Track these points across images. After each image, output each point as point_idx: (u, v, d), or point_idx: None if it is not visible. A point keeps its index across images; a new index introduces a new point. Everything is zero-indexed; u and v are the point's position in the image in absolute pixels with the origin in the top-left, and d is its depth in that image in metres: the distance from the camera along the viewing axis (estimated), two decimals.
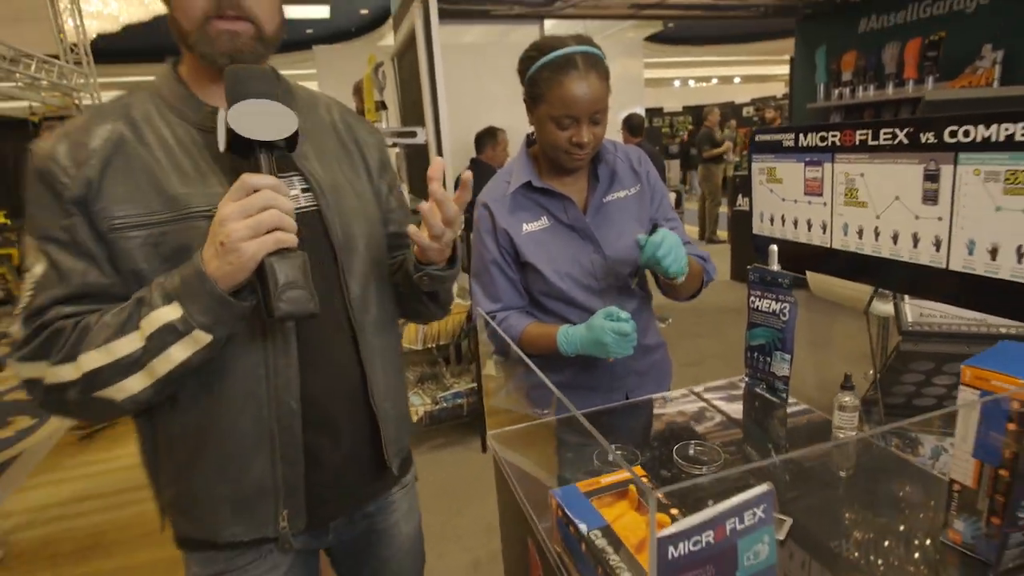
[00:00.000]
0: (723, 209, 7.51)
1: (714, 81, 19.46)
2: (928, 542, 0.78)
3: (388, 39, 12.62)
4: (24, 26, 7.25)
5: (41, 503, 2.80)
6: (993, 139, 0.78)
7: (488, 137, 3.90)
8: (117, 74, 12.05)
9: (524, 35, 4.76)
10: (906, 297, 1.31)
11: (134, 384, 0.70)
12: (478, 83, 4.41)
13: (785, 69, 5.74)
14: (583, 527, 0.70)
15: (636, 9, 4.59)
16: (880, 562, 0.77)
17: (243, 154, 0.69)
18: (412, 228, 0.80)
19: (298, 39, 14.15)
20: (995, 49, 3.81)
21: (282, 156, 0.74)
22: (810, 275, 2.10)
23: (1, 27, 6.58)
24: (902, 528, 0.83)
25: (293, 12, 11.60)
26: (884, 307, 1.49)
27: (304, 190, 0.82)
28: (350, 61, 5.21)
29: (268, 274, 0.66)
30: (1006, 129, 0.76)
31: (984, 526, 0.71)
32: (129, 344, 0.69)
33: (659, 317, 1.40)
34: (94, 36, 8.50)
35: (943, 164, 0.85)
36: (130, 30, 11.24)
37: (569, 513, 0.73)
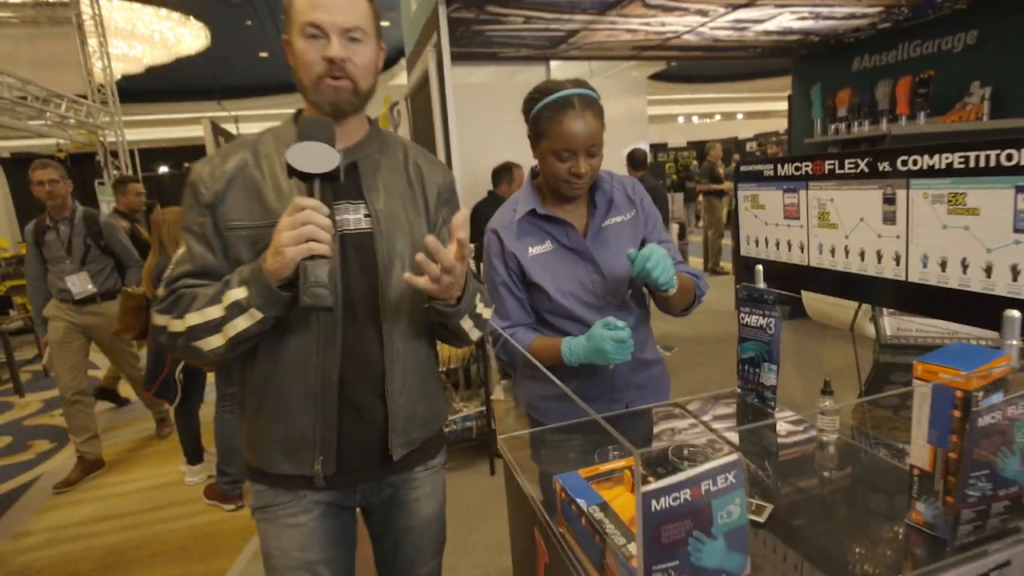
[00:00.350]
0: (726, 241, 7.64)
1: (717, 117, 19.84)
2: (895, 525, 0.87)
3: (399, 79, 13.09)
4: (56, 69, 7.63)
5: (61, 523, 2.88)
6: (936, 167, 0.89)
7: (504, 172, 4.05)
8: (139, 112, 12.52)
9: (531, 75, 4.98)
10: (885, 313, 1.40)
11: (214, 341, 0.93)
12: (486, 120, 4.60)
13: (787, 105, 5.93)
14: (583, 503, 0.79)
15: (637, 51, 4.81)
16: (851, 542, 0.85)
17: (303, 179, 0.89)
18: (407, 275, 0.93)
19: None
20: (983, 86, 3.97)
21: (346, 185, 0.98)
22: (806, 300, 2.21)
23: (36, 70, 6.94)
24: (873, 513, 0.91)
25: None
26: (869, 326, 1.59)
27: (366, 215, 1.02)
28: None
29: (301, 273, 0.84)
30: (946, 158, 0.88)
31: (941, 505, 0.80)
32: (214, 312, 0.92)
33: (664, 346, 1.50)
34: (119, 77, 8.88)
35: (898, 189, 0.96)
36: (152, 71, 11.76)
37: (571, 493, 0.82)
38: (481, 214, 3.89)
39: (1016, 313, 0.84)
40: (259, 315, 0.91)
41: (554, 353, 1.28)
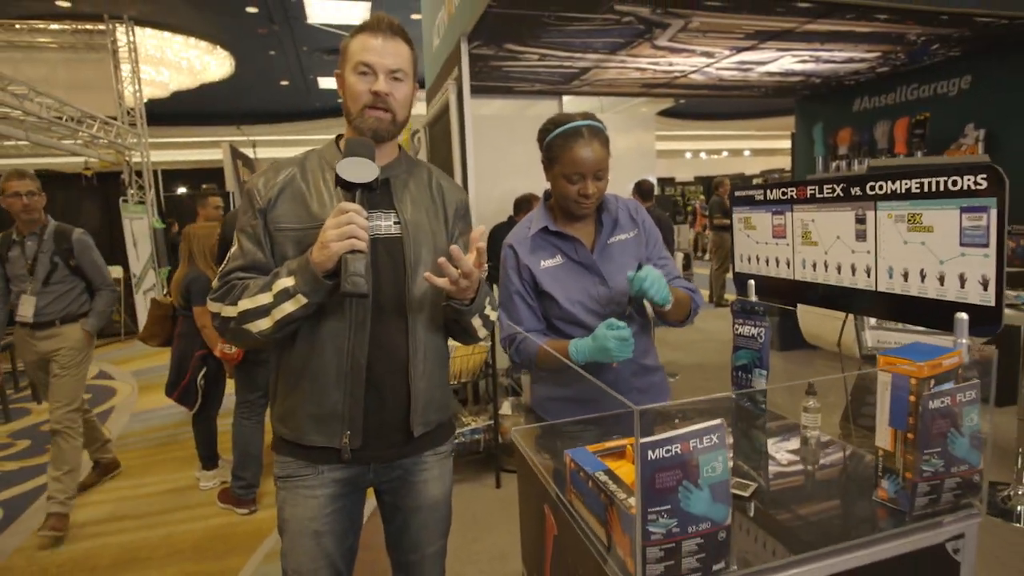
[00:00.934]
0: (729, 275, 7.77)
1: (725, 154, 20.18)
2: (864, 501, 0.99)
3: (416, 108, 13.51)
4: (88, 92, 7.99)
5: (79, 522, 2.97)
6: (898, 191, 1.04)
7: (525, 203, 4.19)
8: (161, 135, 12.92)
9: (543, 108, 5.21)
10: (866, 327, 1.53)
11: (263, 323, 1.08)
12: (498, 149, 4.81)
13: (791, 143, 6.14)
14: (589, 469, 0.92)
15: (646, 88, 5.04)
16: (824, 514, 0.97)
17: (346, 188, 1.06)
18: (428, 274, 1.09)
19: (334, 107, 15.16)
20: (977, 128, 4.15)
21: (379, 195, 1.14)
22: (802, 322, 2.34)
23: (69, 92, 7.28)
24: (846, 492, 1.03)
25: (329, 83, 12.55)
26: (855, 347, 1.71)
27: (395, 223, 1.18)
28: None
29: (342, 265, 1.00)
30: (905, 184, 1.03)
31: (901, 481, 0.92)
32: (264, 298, 1.07)
33: (668, 373, 1.63)
34: (145, 101, 9.24)
35: (867, 211, 1.11)
36: (177, 96, 12.19)
37: (579, 463, 0.95)
38: (499, 236, 4.06)
39: (964, 315, 0.97)
40: (304, 300, 1.05)
41: (562, 354, 1.41)
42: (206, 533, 2.81)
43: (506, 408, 3.39)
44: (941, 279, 1.01)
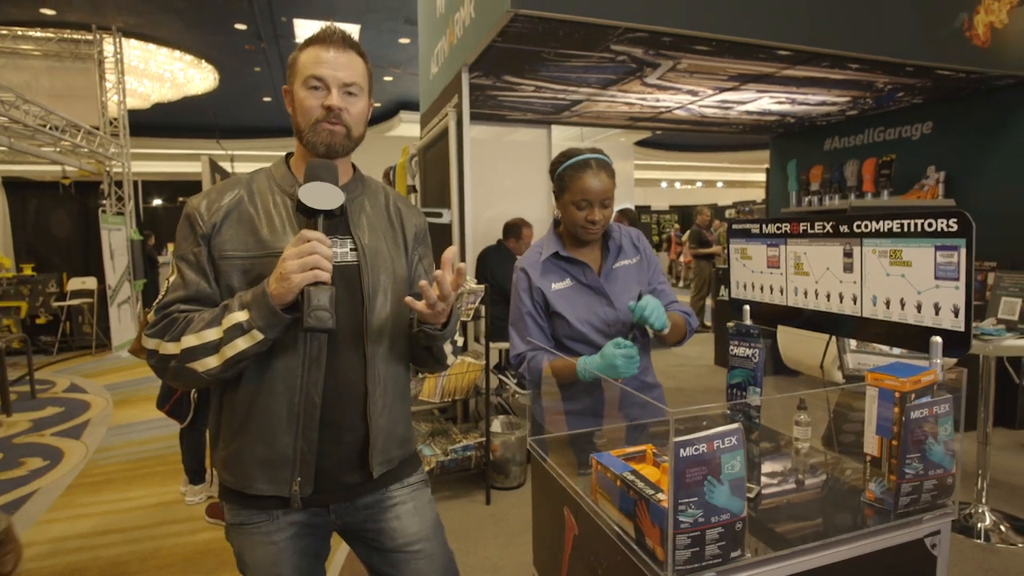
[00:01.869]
0: (709, 302, 8.02)
1: (699, 184, 20.80)
2: (854, 502, 1.11)
3: (396, 130, 13.65)
4: (70, 101, 7.94)
5: (62, 535, 2.93)
6: (881, 230, 1.20)
7: (515, 229, 4.22)
8: (142, 146, 12.80)
9: (532, 136, 5.39)
10: (848, 350, 1.68)
11: (210, 362, 0.98)
12: (488, 174, 4.94)
13: (763, 176, 6.45)
14: (616, 471, 1.03)
15: (632, 121, 5.27)
16: (818, 513, 1.09)
17: (307, 215, 0.99)
18: (408, 299, 1.04)
19: None
20: (938, 170, 4.46)
21: (336, 221, 1.05)
22: (782, 349, 2.50)
23: (51, 100, 7.23)
24: (836, 495, 1.16)
25: None
26: (835, 372, 1.87)
27: (352, 249, 1.11)
28: (363, 144, 5.99)
29: (305, 298, 0.93)
30: (888, 224, 1.19)
31: (887, 483, 1.05)
32: (212, 334, 0.98)
33: None
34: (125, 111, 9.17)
35: (854, 246, 1.27)
36: (159, 108, 12.12)
37: (606, 464, 1.06)
38: (487, 259, 4.17)
39: (939, 339, 1.12)
40: (260, 336, 0.97)
41: (570, 371, 1.51)
42: (196, 547, 2.80)
43: (496, 426, 3.47)
44: (919, 307, 1.16)
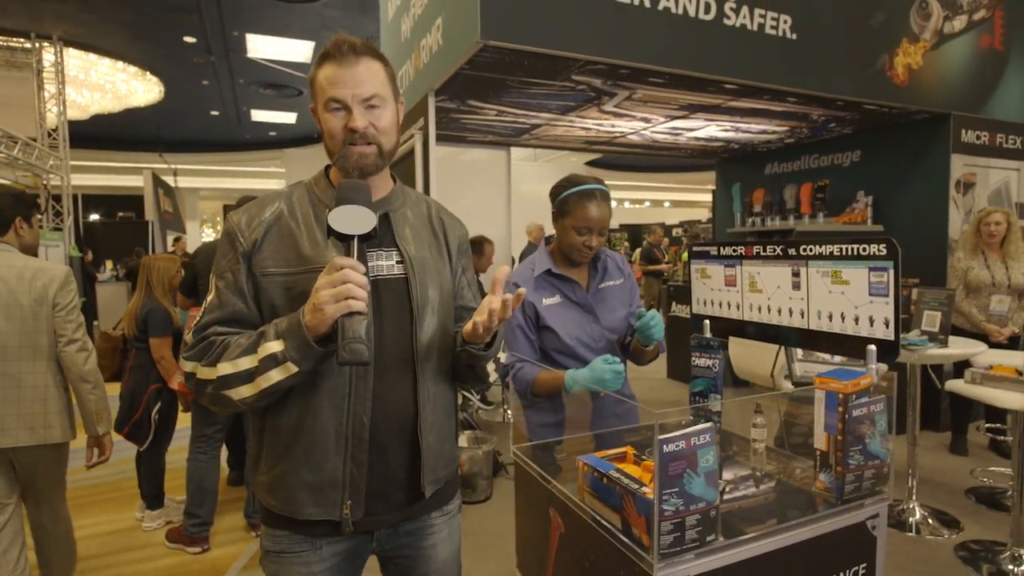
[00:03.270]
0: None
1: (647, 204, 21.49)
2: (805, 492, 1.27)
3: None
4: (6, 111, 7.57)
5: None
6: (824, 254, 1.38)
7: (477, 246, 4.29)
8: (82, 158, 12.24)
9: (491, 156, 5.52)
10: (795, 359, 1.87)
11: (244, 391, 0.95)
12: (445, 192, 4.99)
13: (709, 196, 6.82)
14: (603, 470, 1.14)
15: (588, 144, 5.50)
16: (775, 503, 1.24)
17: (341, 239, 0.92)
18: (478, 320, 0.99)
19: (264, 139, 14.95)
20: (867, 195, 4.86)
21: (381, 234, 1.01)
22: (734, 360, 2.68)
23: None
24: (791, 487, 1.31)
25: (262, 116, 12.44)
26: (783, 382, 2.05)
27: (398, 261, 1.07)
28: (314, 161, 6.16)
29: (339, 330, 0.87)
30: (829, 248, 1.37)
31: (834, 474, 1.21)
32: (247, 363, 0.95)
33: None
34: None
35: (801, 267, 1.45)
36: (98, 119, 11.64)
37: (592, 464, 1.17)
38: None
39: (873, 347, 1.30)
40: (294, 368, 0.92)
41: (557, 384, 1.62)
42: (157, 574, 2.73)
43: (463, 441, 3.53)
44: (856, 320, 1.34)
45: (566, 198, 1.66)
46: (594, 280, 1.74)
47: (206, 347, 0.99)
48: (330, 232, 0.90)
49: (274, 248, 1.02)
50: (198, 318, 1.04)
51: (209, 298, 1.04)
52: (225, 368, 0.96)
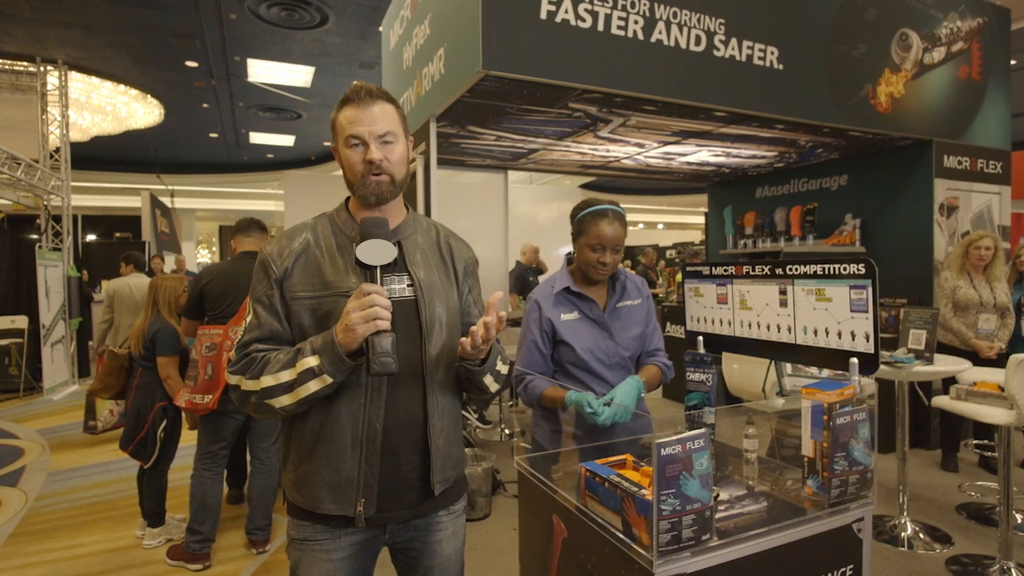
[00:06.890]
0: None
1: (640, 226, 21.71)
2: (795, 496, 1.34)
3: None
4: (9, 134, 7.67)
5: None
6: (809, 273, 1.48)
7: None
8: (81, 179, 12.32)
9: (488, 179, 5.66)
10: (785, 374, 1.95)
11: (285, 400, 1.10)
12: (443, 214, 5.10)
13: (702, 219, 6.96)
14: (604, 475, 1.21)
15: (583, 168, 5.64)
16: (768, 506, 1.31)
17: (364, 267, 1.10)
18: (464, 340, 1.13)
19: (262, 161, 15.10)
20: (854, 217, 5.00)
21: (393, 262, 1.13)
22: (727, 377, 2.77)
23: None
24: (781, 493, 1.38)
25: (260, 138, 12.60)
26: (775, 400, 2.14)
27: (408, 285, 1.20)
28: (313, 183, 6.68)
29: (369, 346, 1.03)
30: (812, 268, 1.47)
31: (821, 479, 1.28)
32: (287, 375, 1.09)
33: None
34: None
35: (788, 286, 1.54)
36: (98, 140, 11.75)
37: (594, 470, 1.24)
38: None
39: (855, 360, 1.39)
40: (329, 379, 1.07)
41: (557, 402, 1.67)
42: None
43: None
44: (839, 334, 1.43)
45: (581, 218, 1.75)
46: (612, 299, 1.80)
47: (249, 363, 1.13)
48: (358, 263, 1.08)
49: (302, 275, 1.16)
50: (240, 336, 1.17)
51: (248, 319, 1.18)
52: (268, 381, 1.10)
